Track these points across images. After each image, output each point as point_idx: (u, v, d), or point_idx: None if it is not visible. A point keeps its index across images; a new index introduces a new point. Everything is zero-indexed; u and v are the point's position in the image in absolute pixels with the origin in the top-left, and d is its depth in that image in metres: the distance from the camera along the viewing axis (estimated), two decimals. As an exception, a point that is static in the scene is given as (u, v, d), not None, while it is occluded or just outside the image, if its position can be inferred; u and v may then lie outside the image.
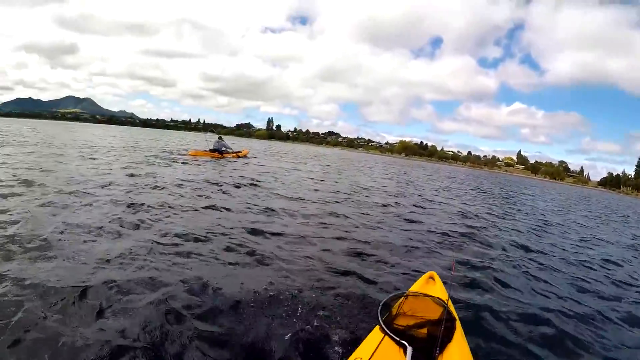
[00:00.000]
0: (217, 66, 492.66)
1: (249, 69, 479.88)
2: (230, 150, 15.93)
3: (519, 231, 6.73)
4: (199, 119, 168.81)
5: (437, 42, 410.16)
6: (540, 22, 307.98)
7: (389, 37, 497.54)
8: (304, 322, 2.28)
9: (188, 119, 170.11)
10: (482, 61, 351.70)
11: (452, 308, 1.97)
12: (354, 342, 1.93)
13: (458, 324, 1.85)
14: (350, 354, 1.68)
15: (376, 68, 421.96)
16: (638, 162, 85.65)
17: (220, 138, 15.87)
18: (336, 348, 2.05)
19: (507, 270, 3.99)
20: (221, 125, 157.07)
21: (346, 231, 4.85)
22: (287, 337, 2.09)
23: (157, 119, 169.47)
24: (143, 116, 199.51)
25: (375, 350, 1.62)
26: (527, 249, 5.21)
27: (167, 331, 2.04)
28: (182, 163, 11.61)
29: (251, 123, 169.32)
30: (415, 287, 2.28)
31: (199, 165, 11.48)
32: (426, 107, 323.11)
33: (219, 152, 15.01)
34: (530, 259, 4.65)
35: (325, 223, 5.16)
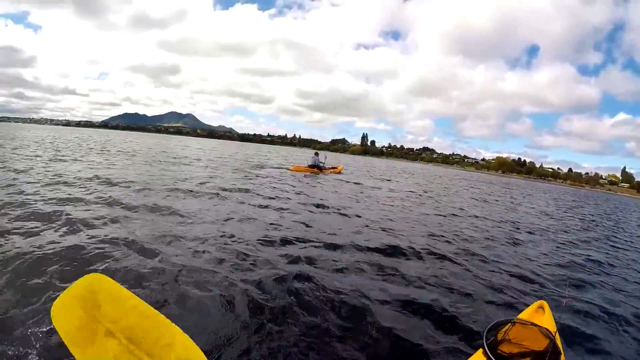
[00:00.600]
0: (312, 83, 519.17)
1: (343, 85, 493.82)
2: (326, 166, 16.15)
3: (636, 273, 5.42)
4: (294, 134, 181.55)
5: (533, 50, 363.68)
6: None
7: (482, 47, 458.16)
8: (400, 344, 2.30)
9: (284, 134, 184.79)
10: (582, 68, 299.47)
11: (558, 341, 1.83)
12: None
13: (562, 358, 1.74)
14: None
15: (470, 81, 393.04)
16: None
17: (316, 154, 16.30)
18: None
19: (623, 315, 3.38)
20: (316, 140, 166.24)
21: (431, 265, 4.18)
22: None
23: (254, 134, 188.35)
24: (241, 131, 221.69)
25: None
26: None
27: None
28: (263, 177, 11.93)
29: (346, 138, 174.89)
30: (523, 315, 2.20)
31: (280, 179, 11.69)
32: (524, 121, 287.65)
33: (317, 167, 15.34)
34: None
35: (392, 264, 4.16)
